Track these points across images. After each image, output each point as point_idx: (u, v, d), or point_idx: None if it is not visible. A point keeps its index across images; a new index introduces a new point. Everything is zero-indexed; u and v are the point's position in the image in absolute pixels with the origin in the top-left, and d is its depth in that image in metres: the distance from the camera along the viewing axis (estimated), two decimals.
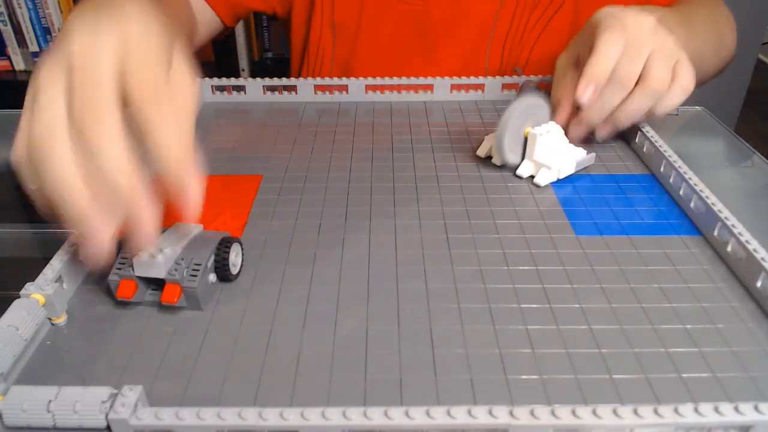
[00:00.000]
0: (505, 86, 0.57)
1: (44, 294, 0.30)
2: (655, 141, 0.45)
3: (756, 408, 0.23)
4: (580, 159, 0.44)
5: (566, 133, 0.45)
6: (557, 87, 0.46)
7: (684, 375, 0.27)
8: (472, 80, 0.57)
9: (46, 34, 1.36)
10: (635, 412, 0.23)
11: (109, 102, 0.27)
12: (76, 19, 0.29)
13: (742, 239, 0.34)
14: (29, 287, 0.30)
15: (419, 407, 0.23)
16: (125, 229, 0.28)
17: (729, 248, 0.35)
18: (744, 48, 0.68)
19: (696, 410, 0.23)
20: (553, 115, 0.46)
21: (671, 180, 0.42)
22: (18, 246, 0.41)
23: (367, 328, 0.30)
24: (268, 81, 0.57)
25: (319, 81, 0.57)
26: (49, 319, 0.30)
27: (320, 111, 0.55)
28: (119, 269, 0.31)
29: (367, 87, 0.57)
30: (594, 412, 0.23)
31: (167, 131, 0.27)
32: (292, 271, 0.34)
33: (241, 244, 0.34)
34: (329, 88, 0.57)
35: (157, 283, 0.32)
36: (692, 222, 0.39)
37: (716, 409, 0.23)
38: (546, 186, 0.43)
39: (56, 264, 0.32)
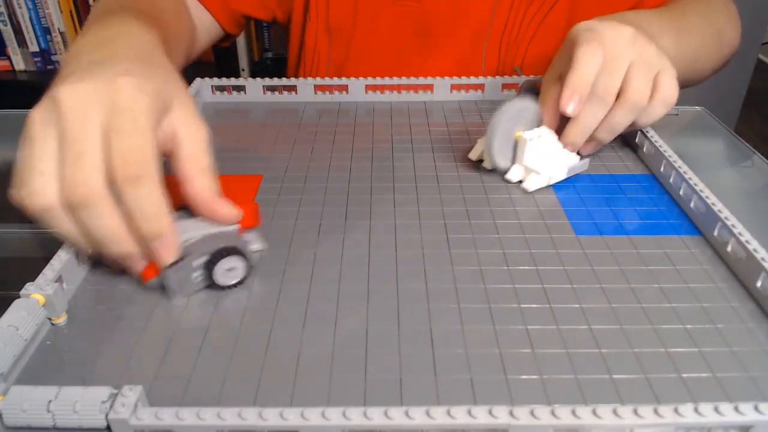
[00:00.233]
0: (505, 86, 0.57)
1: (44, 294, 0.30)
2: (655, 141, 0.45)
3: (756, 408, 0.23)
4: (573, 165, 0.44)
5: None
6: (542, 103, 0.45)
7: (684, 375, 0.28)
8: (472, 80, 0.57)
9: (46, 34, 1.36)
10: (635, 412, 0.23)
11: (97, 181, 0.29)
12: (71, 64, 0.32)
13: (742, 239, 0.34)
14: (29, 287, 0.30)
15: (419, 407, 0.23)
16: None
17: (729, 248, 0.35)
18: (744, 48, 0.67)
19: (696, 410, 0.23)
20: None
21: (671, 180, 0.42)
22: (18, 246, 0.41)
23: (367, 328, 0.30)
24: (268, 81, 0.57)
25: (319, 81, 0.57)
26: (49, 319, 0.30)
27: (320, 111, 0.55)
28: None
29: (367, 87, 0.57)
30: (594, 412, 0.23)
31: (140, 196, 0.29)
32: (292, 271, 0.34)
33: (245, 257, 0.33)
34: (329, 88, 0.57)
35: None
36: (692, 222, 0.39)
37: (716, 409, 0.23)
38: (544, 188, 0.43)
39: (56, 264, 0.32)
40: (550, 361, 0.28)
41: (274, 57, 1.46)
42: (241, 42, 1.34)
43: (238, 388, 0.27)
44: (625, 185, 0.43)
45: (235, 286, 0.33)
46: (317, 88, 0.57)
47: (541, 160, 0.43)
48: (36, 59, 1.39)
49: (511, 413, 0.23)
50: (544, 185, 0.43)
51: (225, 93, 0.57)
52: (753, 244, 0.33)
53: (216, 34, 0.66)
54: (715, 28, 0.59)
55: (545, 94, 0.45)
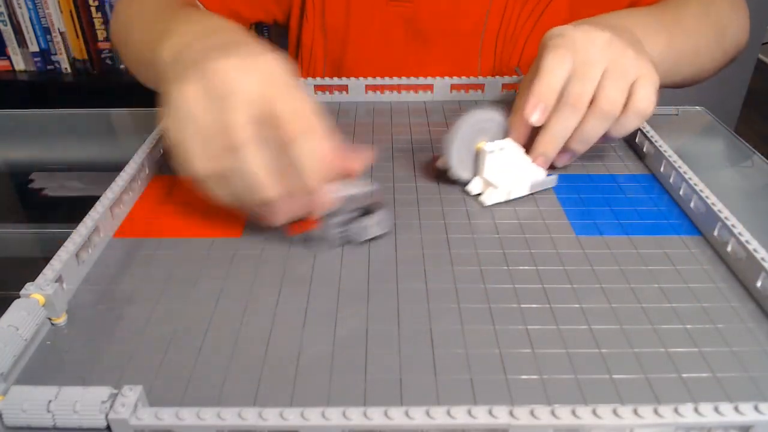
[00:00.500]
0: (505, 86, 0.57)
1: (44, 294, 0.30)
2: (655, 141, 0.45)
3: (756, 408, 0.23)
4: (536, 181, 0.41)
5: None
6: (512, 113, 0.43)
7: (684, 375, 0.28)
8: (472, 80, 0.57)
9: (46, 34, 1.36)
10: (635, 412, 0.23)
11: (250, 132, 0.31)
12: (184, 55, 0.34)
13: (742, 239, 0.34)
14: (29, 287, 0.30)
15: (419, 407, 0.23)
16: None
17: (729, 248, 0.35)
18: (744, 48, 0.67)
19: (696, 410, 0.23)
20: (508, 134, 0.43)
21: (671, 180, 0.42)
22: (18, 246, 0.41)
23: (367, 328, 0.30)
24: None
25: (319, 81, 0.57)
26: (49, 319, 0.30)
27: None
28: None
29: (367, 87, 0.57)
30: (594, 412, 0.23)
31: (308, 151, 0.32)
32: (292, 271, 0.34)
33: (383, 211, 0.36)
34: (329, 88, 0.57)
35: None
36: (692, 222, 0.39)
37: (716, 409, 0.23)
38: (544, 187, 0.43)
39: (56, 264, 0.32)
40: (550, 361, 0.28)
41: None
42: None
43: (238, 388, 0.27)
44: (625, 185, 0.43)
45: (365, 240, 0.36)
46: (317, 88, 0.57)
47: (502, 173, 0.41)
48: (36, 59, 1.39)
49: (511, 413, 0.23)
50: (502, 200, 0.41)
51: None
52: (753, 244, 0.33)
53: None
54: (716, 26, 0.57)
55: (516, 104, 0.43)
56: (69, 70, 1.41)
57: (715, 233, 0.36)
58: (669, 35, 0.50)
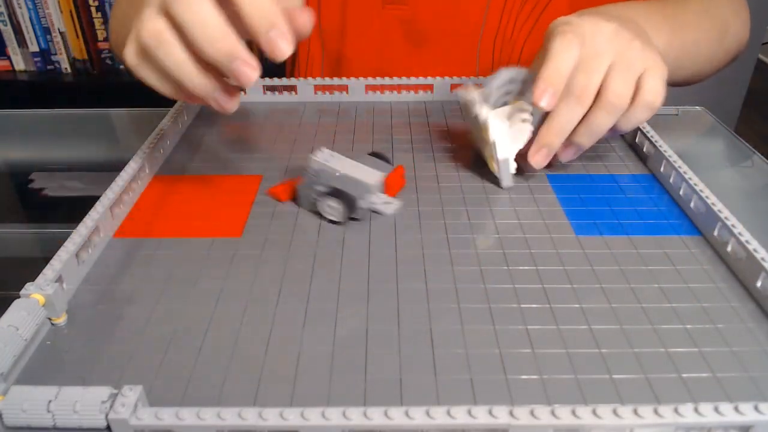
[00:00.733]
0: None
1: (44, 294, 0.30)
2: (655, 141, 0.45)
3: (756, 408, 0.23)
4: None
5: (526, 157, 0.42)
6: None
7: (684, 375, 0.27)
8: (473, 80, 0.57)
9: (46, 34, 1.36)
10: (635, 412, 0.23)
11: None
12: None
13: (742, 239, 0.34)
14: (29, 287, 0.30)
15: (419, 407, 0.23)
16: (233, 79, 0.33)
17: (729, 248, 0.35)
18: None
19: (696, 410, 0.23)
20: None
21: (671, 180, 0.42)
22: (18, 246, 0.41)
23: (367, 328, 0.30)
24: (267, 81, 0.57)
25: (319, 81, 0.57)
26: (49, 319, 0.30)
27: (320, 111, 0.55)
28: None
29: (367, 87, 0.57)
30: (594, 412, 0.23)
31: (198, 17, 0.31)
32: (292, 271, 0.34)
33: (349, 202, 0.37)
34: (329, 88, 0.57)
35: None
36: (692, 222, 0.39)
37: (716, 409, 0.23)
38: (546, 186, 0.43)
39: (56, 264, 0.32)
40: (550, 361, 0.28)
41: None
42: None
43: (238, 388, 0.27)
44: (625, 185, 0.43)
45: (336, 223, 0.38)
46: (317, 88, 0.57)
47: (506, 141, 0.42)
48: (36, 59, 1.39)
49: (511, 413, 0.23)
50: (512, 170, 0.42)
51: None
52: (753, 244, 0.33)
53: None
54: (717, 23, 0.57)
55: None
56: (69, 70, 1.41)
57: (715, 233, 0.36)
58: (671, 31, 0.49)
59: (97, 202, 0.37)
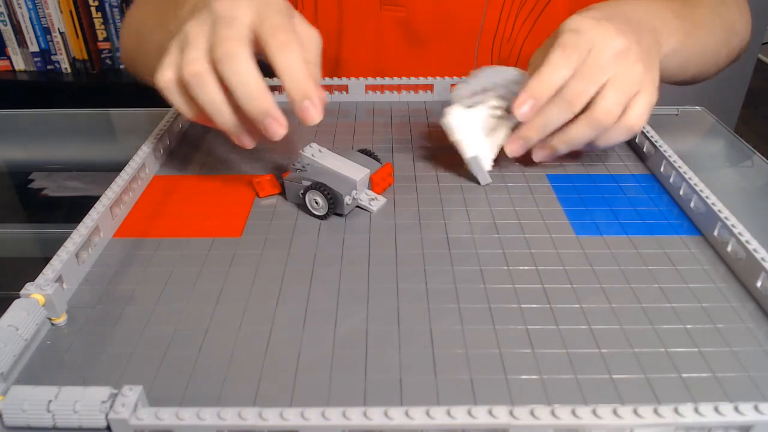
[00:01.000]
0: None
1: (44, 294, 0.30)
2: (655, 141, 0.45)
3: (756, 408, 0.23)
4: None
5: (505, 150, 0.43)
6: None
7: (684, 375, 0.27)
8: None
9: (46, 34, 1.36)
10: (635, 412, 0.23)
11: (245, 42, 0.35)
12: None
13: (742, 239, 0.34)
14: (29, 287, 0.30)
15: (419, 407, 0.23)
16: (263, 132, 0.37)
17: (729, 248, 0.35)
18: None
19: (696, 410, 0.23)
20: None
21: (671, 180, 0.42)
22: (18, 246, 0.41)
23: (367, 328, 0.30)
24: (268, 81, 0.57)
25: (319, 81, 0.57)
26: (49, 319, 0.30)
27: None
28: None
29: (367, 87, 0.57)
30: (594, 412, 0.23)
31: (290, 61, 0.36)
32: (292, 271, 0.34)
33: (333, 197, 0.38)
34: (329, 88, 0.57)
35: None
36: (692, 222, 0.39)
37: (716, 409, 0.23)
38: (546, 186, 0.43)
39: (56, 264, 0.32)
40: (550, 361, 0.28)
41: None
42: None
43: (238, 388, 0.27)
44: (625, 185, 0.43)
45: (318, 217, 0.39)
46: None
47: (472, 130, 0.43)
48: (36, 59, 1.39)
49: (511, 413, 0.23)
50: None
51: None
52: (753, 244, 0.33)
53: None
54: (726, 25, 0.57)
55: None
56: (69, 70, 1.41)
57: (715, 233, 0.36)
58: (685, 33, 0.49)
59: (97, 202, 0.37)
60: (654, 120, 0.45)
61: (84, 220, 0.35)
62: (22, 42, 1.37)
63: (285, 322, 0.31)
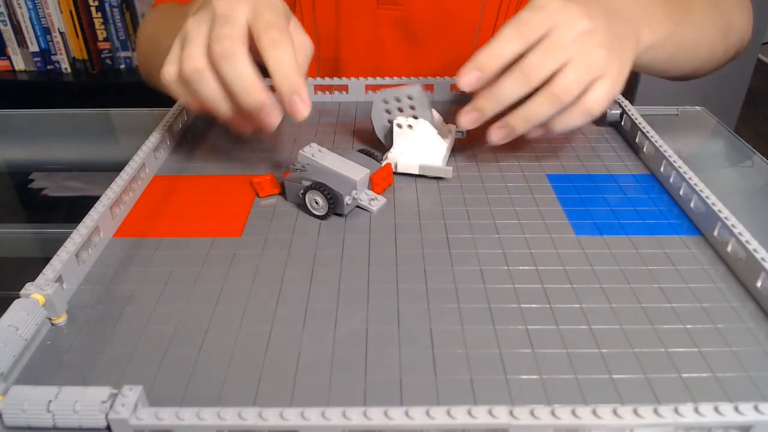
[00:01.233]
0: None
1: (44, 294, 0.30)
2: (655, 141, 0.45)
3: (756, 408, 0.23)
4: (428, 165, 0.43)
5: (457, 122, 0.42)
6: None
7: (684, 375, 0.27)
8: None
9: (46, 34, 1.36)
10: (635, 412, 0.23)
11: (240, 40, 0.37)
12: None
13: (742, 239, 0.34)
14: (29, 287, 0.30)
15: (419, 407, 0.23)
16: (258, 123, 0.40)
17: (729, 248, 0.35)
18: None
19: (696, 410, 0.23)
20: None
21: (671, 180, 0.42)
22: (18, 246, 0.41)
23: (367, 328, 0.30)
24: (268, 81, 0.57)
25: (319, 81, 0.57)
26: (49, 319, 0.30)
27: (320, 111, 0.55)
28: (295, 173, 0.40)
29: (367, 87, 0.57)
30: (594, 412, 0.23)
31: (281, 57, 0.37)
32: (292, 271, 0.34)
33: (333, 197, 0.38)
34: (329, 88, 0.57)
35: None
36: (692, 222, 0.39)
37: (716, 409, 0.23)
38: (546, 185, 0.43)
39: (56, 264, 0.32)
40: (550, 361, 0.28)
41: None
42: None
43: (238, 388, 0.27)
44: (625, 185, 0.43)
45: (318, 217, 0.39)
46: (317, 88, 0.57)
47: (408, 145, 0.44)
48: (36, 59, 1.39)
49: (511, 413, 0.23)
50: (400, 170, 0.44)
51: None
52: (753, 244, 0.33)
53: None
54: (722, 21, 0.56)
55: None
56: (69, 70, 1.41)
57: (715, 233, 0.36)
58: (673, 26, 0.48)
59: (97, 202, 0.37)
60: (654, 120, 0.45)
61: (84, 220, 0.35)
62: (22, 42, 1.37)
63: (285, 322, 0.31)
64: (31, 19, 1.34)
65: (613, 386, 0.27)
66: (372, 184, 0.41)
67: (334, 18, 0.65)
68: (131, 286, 0.33)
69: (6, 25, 1.35)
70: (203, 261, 0.35)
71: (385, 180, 0.42)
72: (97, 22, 1.36)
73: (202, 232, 0.38)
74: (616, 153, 0.48)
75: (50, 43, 1.38)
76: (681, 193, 0.41)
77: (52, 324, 0.31)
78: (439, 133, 0.44)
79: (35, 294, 0.29)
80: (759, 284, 0.32)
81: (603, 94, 0.39)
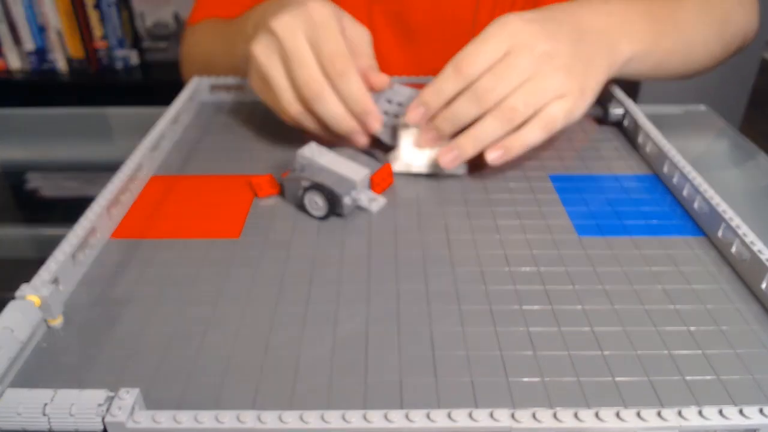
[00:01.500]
0: None
1: (40, 295, 0.29)
2: (659, 141, 0.45)
3: (761, 411, 0.23)
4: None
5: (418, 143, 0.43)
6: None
7: (688, 378, 0.27)
8: None
9: (41, 32, 1.36)
10: (638, 415, 0.23)
11: (348, 56, 0.41)
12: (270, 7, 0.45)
13: (747, 240, 0.33)
14: (25, 288, 0.29)
15: (420, 410, 0.23)
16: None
17: (733, 249, 0.34)
18: (748, 47, 0.66)
19: (700, 413, 0.23)
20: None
21: (675, 180, 0.42)
22: (14, 247, 0.41)
23: (367, 329, 0.30)
24: None
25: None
26: (45, 320, 0.30)
27: None
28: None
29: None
30: (597, 415, 0.23)
31: (350, 87, 0.41)
32: (291, 272, 0.34)
33: (333, 197, 0.38)
34: None
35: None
36: (696, 223, 0.39)
37: (720, 413, 0.23)
38: (548, 186, 0.43)
39: (52, 265, 0.31)
40: (552, 364, 0.28)
41: None
42: None
43: (236, 390, 0.27)
44: (628, 185, 0.43)
45: (318, 218, 0.39)
46: None
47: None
48: (31, 58, 1.39)
49: (512, 416, 0.23)
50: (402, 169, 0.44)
51: (225, 92, 0.57)
52: (758, 245, 0.33)
53: None
54: (717, 19, 0.55)
55: None
56: (65, 69, 1.41)
57: (720, 234, 0.36)
58: (657, 34, 0.48)
59: (94, 203, 0.37)
60: (657, 119, 0.44)
61: (80, 220, 0.35)
62: (17, 41, 1.37)
63: (284, 324, 0.30)
64: (26, 17, 1.34)
65: (616, 389, 0.27)
66: (372, 184, 0.41)
67: None
68: (128, 287, 0.33)
69: (1, 23, 1.34)
70: (201, 262, 0.35)
71: (385, 180, 0.42)
72: (94, 21, 1.36)
73: (200, 232, 0.38)
74: (619, 153, 0.48)
75: (46, 42, 1.37)
76: (684, 193, 0.40)
77: (48, 326, 0.30)
78: None
79: (31, 295, 0.29)
80: (764, 286, 0.32)
81: (560, 112, 0.40)
